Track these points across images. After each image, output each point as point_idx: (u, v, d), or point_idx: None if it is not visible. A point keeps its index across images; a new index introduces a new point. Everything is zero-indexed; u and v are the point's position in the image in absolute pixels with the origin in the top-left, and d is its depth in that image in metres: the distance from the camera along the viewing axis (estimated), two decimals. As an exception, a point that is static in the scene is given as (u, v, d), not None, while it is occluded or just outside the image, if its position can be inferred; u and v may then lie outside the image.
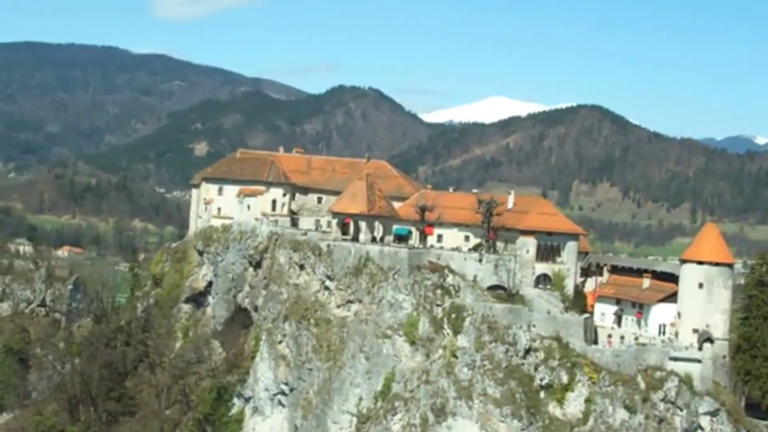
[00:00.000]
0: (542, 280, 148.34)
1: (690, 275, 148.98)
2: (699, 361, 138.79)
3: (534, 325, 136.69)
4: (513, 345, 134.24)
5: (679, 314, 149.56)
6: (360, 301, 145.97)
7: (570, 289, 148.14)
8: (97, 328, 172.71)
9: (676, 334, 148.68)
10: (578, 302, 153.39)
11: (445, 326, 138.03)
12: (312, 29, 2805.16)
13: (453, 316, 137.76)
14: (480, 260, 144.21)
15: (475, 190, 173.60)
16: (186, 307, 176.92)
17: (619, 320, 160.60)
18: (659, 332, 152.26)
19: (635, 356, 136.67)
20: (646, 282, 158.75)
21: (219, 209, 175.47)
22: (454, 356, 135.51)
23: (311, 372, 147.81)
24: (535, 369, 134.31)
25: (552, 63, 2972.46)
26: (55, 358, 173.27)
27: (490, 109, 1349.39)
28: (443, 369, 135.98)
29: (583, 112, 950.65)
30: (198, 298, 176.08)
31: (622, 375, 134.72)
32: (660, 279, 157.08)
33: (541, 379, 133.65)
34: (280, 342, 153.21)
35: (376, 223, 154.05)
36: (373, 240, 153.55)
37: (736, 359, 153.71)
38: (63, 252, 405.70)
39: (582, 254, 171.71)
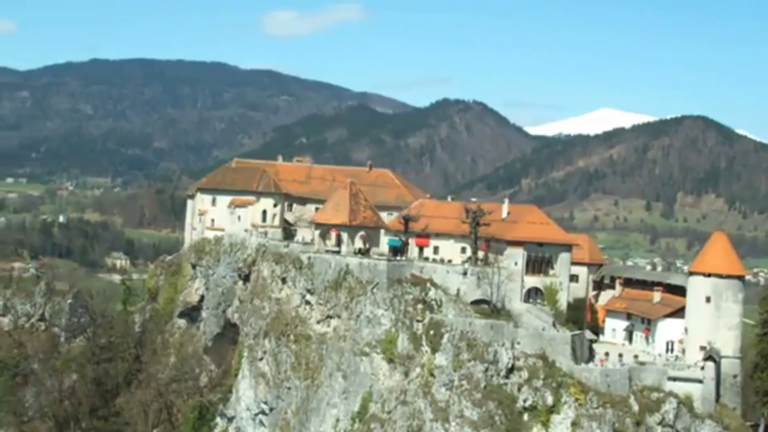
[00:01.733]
0: (534, 294, 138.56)
1: (697, 288, 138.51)
2: (700, 381, 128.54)
3: (518, 343, 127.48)
4: (494, 363, 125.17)
5: (686, 330, 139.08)
6: (339, 317, 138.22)
7: (563, 303, 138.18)
8: (87, 344, 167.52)
9: (683, 352, 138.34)
10: (576, 317, 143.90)
11: (424, 343, 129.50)
12: (421, 43, 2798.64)
13: (431, 332, 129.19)
14: (465, 273, 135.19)
15: (473, 199, 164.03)
16: (180, 322, 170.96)
17: (630, 336, 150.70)
18: (667, 349, 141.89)
19: (627, 376, 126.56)
20: (657, 296, 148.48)
21: (213, 220, 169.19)
22: (432, 375, 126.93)
23: (289, 391, 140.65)
24: (519, 389, 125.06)
25: (660, 74, 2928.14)
26: (50, 375, 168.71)
27: (598, 121, 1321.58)
28: (420, 389, 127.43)
29: (687, 122, 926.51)
30: (191, 313, 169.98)
31: (612, 396, 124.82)
32: (672, 292, 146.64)
33: (524, 401, 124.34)
34: (261, 359, 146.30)
35: (362, 234, 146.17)
36: (359, 252, 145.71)
37: (754, 378, 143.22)
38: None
39: (595, 266, 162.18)
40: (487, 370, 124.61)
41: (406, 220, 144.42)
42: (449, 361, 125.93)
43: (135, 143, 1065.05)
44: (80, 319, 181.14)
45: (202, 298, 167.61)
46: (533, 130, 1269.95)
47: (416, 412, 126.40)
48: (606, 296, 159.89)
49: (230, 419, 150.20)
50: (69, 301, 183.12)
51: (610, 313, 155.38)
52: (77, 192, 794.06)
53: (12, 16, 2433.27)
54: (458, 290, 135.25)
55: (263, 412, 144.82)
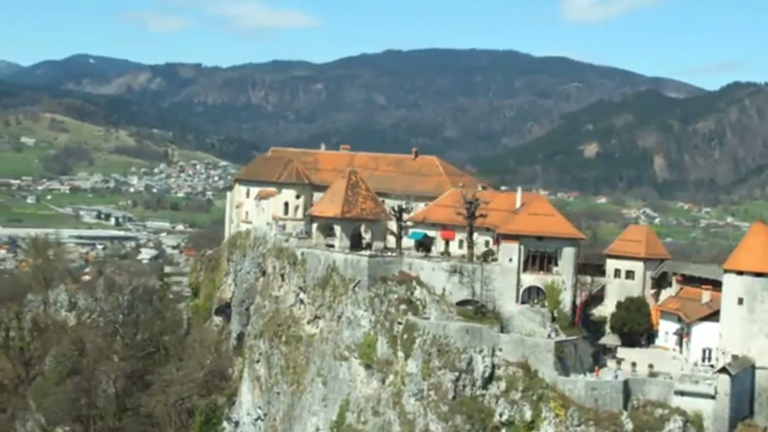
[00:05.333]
0: (535, 294, 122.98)
1: (729, 289, 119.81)
2: (712, 396, 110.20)
3: (500, 349, 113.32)
4: (468, 372, 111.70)
5: (720, 336, 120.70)
6: (324, 317, 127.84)
7: (567, 304, 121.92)
8: (121, 340, 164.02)
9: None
10: (627, 319, 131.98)
11: (398, 348, 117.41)
12: (715, 27, 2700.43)
13: (405, 336, 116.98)
14: (456, 270, 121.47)
15: (461, 185, 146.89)
16: (217, 320, 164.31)
17: (680, 341, 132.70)
18: (703, 358, 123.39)
19: (620, 389, 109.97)
20: (706, 295, 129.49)
21: (246, 213, 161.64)
22: (404, 384, 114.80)
23: (278, 396, 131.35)
24: (496, 402, 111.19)
25: None
26: (107, 371, 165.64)
27: None
28: (392, 398, 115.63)
29: None
30: (226, 310, 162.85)
31: (598, 412, 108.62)
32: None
33: (501, 415, 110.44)
34: (258, 361, 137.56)
35: (364, 227, 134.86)
36: (366, 246, 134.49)
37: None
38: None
39: (656, 261, 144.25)
40: (458, 379, 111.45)
41: (400, 210, 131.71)
42: (419, 368, 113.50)
43: (425, 132, 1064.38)
44: (139, 315, 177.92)
45: (233, 294, 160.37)
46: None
47: (386, 424, 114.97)
48: (666, 295, 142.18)
49: (237, 423, 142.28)
50: (126, 296, 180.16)
51: (664, 314, 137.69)
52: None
53: (315, 11, 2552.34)
54: (444, 289, 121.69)
55: (260, 418, 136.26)
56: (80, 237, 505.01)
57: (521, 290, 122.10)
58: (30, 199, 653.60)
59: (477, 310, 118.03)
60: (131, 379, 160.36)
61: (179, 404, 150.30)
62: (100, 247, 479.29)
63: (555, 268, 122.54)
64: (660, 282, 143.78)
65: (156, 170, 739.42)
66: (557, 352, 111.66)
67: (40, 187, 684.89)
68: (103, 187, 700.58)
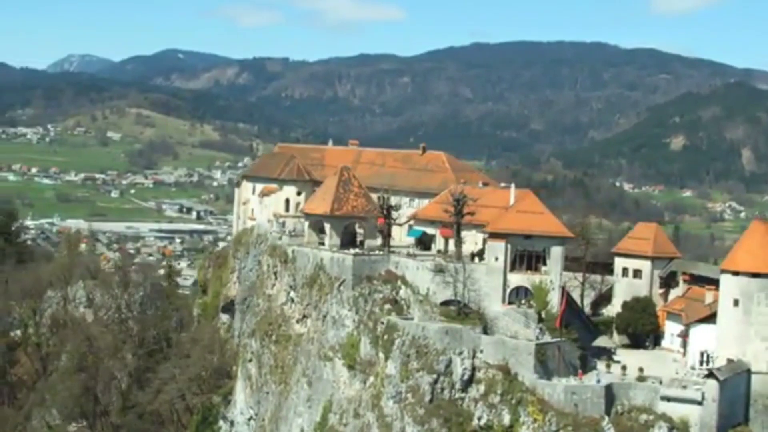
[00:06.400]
0: (523, 294, 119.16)
1: (725, 290, 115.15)
2: (699, 402, 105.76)
3: (481, 351, 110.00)
4: (447, 375, 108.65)
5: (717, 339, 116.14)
6: (311, 316, 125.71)
7: (555, 305, 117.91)
8: (126, 336, 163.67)
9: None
10: (632, 319, 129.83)
11: (379, 349, 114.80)
12: None
13: (385, 337, 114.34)
14: (440, 270, 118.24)
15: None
16: (224, 318, 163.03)
17: (684, 343, 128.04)
18: (701, 361, 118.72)
19: (602, 394, 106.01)
20: (709, 296, 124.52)
21: (252, 210, 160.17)
22: (383, 386, 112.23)
23: (267, 396, 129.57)
24: (475, 405, 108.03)
25: None
26: (113, 368, 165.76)
27: None
28: (371, 400, 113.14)
29: None
30: (232, 308, 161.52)
31: (577, 418, 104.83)
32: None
33: (479, 418, 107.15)
34: (250, 360, 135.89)
35: (357, 226, 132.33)
36: (360, 244, 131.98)
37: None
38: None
39: (665, 260, 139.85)
40: (436, 381, 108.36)
41: (388, 208, 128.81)
42: (398, 370, 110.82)
43: (511, 125, 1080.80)
44: (151, 313, 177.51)
45: (238, 292, 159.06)
46: None
47: (365, 426, 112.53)
48: (674, 295, 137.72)
49: (232, 423, 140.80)
50: (141, 293, 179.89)
51: (669, 315, 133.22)
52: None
53: (403, 4, 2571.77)
54: (428, 289, 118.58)
55: (253, 418, 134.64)
56: (160, 231, 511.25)
57: (508, 290, 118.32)
58: (114, 194, 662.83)
59: (459, 311, 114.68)
60: (136, 377, 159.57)
61: (174, 403, 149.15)
62: (178, 240, 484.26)
63: (543, 268, 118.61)
64: (669, 282, 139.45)
65: (240, 164, 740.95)
66: (538, 355, 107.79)
67: (124, 182, 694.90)
68: (186, 181, 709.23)
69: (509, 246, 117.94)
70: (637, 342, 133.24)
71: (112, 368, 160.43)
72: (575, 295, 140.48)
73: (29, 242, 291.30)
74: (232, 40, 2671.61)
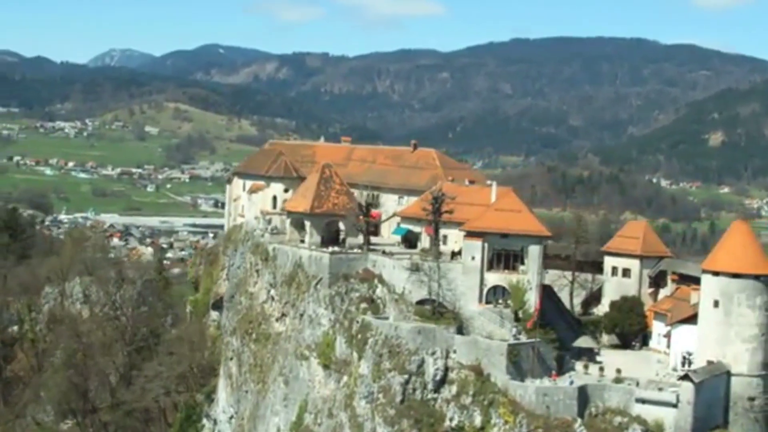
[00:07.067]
0: (501, 293, 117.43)
1: (706, 290, 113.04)
2: (674, 405, 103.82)
3: (455, 351, 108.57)
4: (419, 375, 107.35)
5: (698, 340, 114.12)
6: (288, 315, 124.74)
7: (533, 305, 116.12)
8: (117, 334, 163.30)
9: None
10: (618, 319, 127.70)
11: (353, 348, 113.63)
12: None
13: (359, 336, 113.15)
14: (416, 269, 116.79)
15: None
16: (214, 315, 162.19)
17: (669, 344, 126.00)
18: (683, 363, 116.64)
19: (575, 396, 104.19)
20: (695, 296, 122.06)
21: (243, 207, 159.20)
22: (356, 385, 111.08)
23: (246, 395, 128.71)
24: (447, 406, 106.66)
25: None
26: (102, 365, 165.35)
27: None
28: (344, 400, 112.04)
29: None
30: (222, 305, 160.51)
31: (549, 419, 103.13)
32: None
33: (451, 419, 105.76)
34: (231, 359, 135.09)
35: (340, 223, 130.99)
36: (340, 242, 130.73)
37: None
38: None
39: (655, 259, 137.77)
40: (407, 382, 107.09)
41: (368, 205, 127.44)
42: (370, 369, 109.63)
43: (550, 121, 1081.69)
44: (144, 309, 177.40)
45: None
46: None
47: (338, 426, 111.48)
48: (663, 295, 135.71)
49: (216, 421, 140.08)
50: (137, 289, 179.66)
51: (657, 315, 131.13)
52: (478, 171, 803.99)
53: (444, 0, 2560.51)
54: (404, 288, 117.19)
55: (233, 416, 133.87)
56: (194, 225, 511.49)
57: (485, 290, 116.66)
58: (150, 188, 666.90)
59: (434, 310, 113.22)
60: (125, 374, 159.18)
61: (158, 400, 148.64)
62: (211, 236, 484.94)
63: (521, 267, 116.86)
64: (658, 281, 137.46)
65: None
66: (511, 356, 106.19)
67: (160, 176, 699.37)
68: (222, 176, 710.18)
69: (486, 245, 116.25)
70: (625, 342, 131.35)
71: (101, 365, 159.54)
72: (564, 294, 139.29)
73: (62, 237, 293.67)
74: (273, 35, 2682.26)
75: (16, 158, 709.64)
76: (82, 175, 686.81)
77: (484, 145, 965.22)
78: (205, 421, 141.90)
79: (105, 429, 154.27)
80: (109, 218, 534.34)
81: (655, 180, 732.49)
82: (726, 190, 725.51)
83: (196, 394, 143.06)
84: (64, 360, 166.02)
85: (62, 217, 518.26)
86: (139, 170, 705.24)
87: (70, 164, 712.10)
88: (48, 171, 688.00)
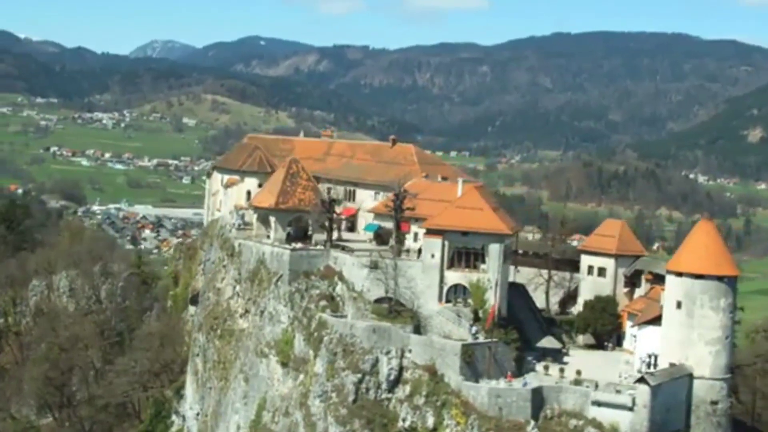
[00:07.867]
0: (461, 292, 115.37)
1: (669, 291, 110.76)
2: (630, 408, 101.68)
3: (410, 351, 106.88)
4: (372, 374, 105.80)
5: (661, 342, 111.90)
6: (251, 311, 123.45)
7: (491, 304, 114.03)
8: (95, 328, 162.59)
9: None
10: (592, 319, 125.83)
11: (311, 347, 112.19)
12: None
13: (315, 334, 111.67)
14: (375, 266, 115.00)
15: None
16: (192, 309, 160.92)
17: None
18: (649, 365, 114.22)
19: (528, 398, 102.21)
20: (663, 297, 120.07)
21: (220, 201, 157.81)
22: (312, 384, 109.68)
23: (210, 392, 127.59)
24: (401, 406, 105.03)
25: None
26: (78, 359, 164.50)
27: None
28: (300, 399, 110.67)
29: None
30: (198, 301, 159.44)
31: (500, 421, 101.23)
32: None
33: (404, 420, 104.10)
34: (197, 355, 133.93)
35: (309, 220, 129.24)
36: (306, 238, 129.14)
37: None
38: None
39: (631, 258, 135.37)
40: (361, 381, 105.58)
41: (331, 202, 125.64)
42: (325, 368, 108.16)
43: (589, 116, 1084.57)
44: (133, 302, 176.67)
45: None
46: None
47: (293, 425, 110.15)
48: (638, 295, 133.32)
49: (184, 417, 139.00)
50: (121, 283, 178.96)
51: (630, 315, 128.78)
52: (514, 165, 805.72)
53: None
54: (363, 286, 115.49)
55: (199, 413, 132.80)
56: None
57: (445, 288, 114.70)
58: (185, 180, 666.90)
59: (391, 309, 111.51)
60: (101, 369, 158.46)
61: (128, 395, 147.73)
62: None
63: (482, 266, 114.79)
64: (634, 280, 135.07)
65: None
66: (465, 356, 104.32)
67: (196, 168, 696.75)
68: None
69: (447, 243, 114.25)
70: (600, 342, 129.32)
71: (77, 360, 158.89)
72: (539, 293, 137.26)
73: (96, 227, 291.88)
74: (314, 27, 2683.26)
75: (53, 149, 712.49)
76: (118, 167, 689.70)
77: (523, 139, 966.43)
78: (174, 417, 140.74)
79: (81, 424, 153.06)
80: (143, 209, 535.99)
81: (692, 176, 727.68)
82: (763, 186, 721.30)
83: (165, 390, 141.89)
84: (43, 354, 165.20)
85: (95, 208, 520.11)
86: (176, 162, 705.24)
87: (107, 155, 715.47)
88: (84, 162, 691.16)
